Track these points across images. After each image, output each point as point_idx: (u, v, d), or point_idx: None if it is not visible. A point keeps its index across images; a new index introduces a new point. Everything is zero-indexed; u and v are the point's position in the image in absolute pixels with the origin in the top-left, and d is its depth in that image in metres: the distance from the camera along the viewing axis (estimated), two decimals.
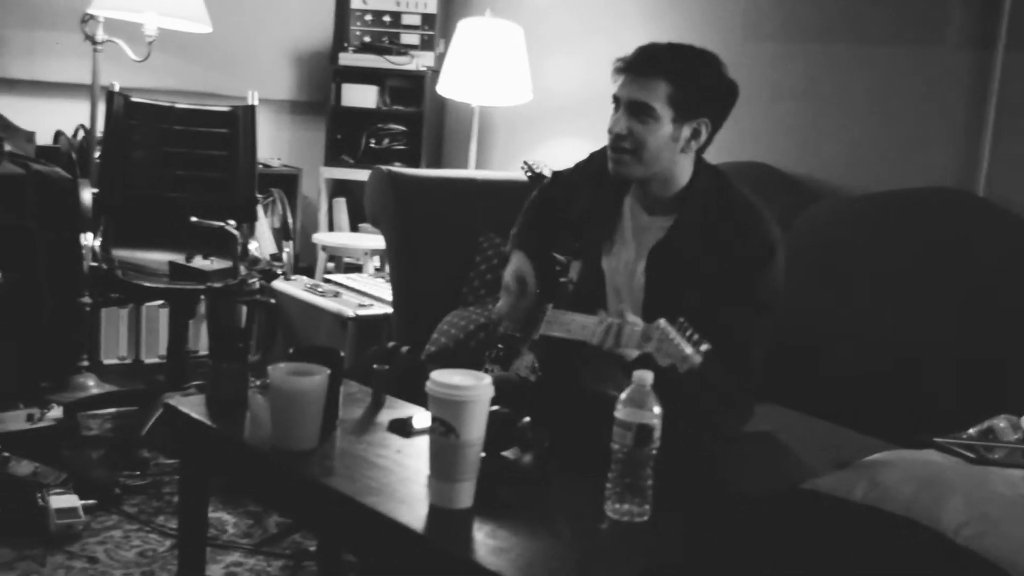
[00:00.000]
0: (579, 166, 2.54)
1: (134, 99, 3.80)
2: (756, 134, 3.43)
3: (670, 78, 2.12)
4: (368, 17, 4.71)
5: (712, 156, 2.28)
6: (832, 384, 2.70)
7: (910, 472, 1.90)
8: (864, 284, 2.78)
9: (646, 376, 1.69)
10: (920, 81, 3.16)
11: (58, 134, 4.26)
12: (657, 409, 1.68)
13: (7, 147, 3.71)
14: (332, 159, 4.81)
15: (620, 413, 1.68)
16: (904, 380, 2.60)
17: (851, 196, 3.15)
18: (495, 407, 1.76)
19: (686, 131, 2.15)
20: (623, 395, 1.69)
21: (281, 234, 4.79)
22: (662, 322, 1.85)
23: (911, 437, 2.19)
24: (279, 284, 3.99)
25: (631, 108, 2.15)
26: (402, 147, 4.76)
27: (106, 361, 4.28)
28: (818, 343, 2.76)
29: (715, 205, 2.20)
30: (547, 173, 3.11)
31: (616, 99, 2.20)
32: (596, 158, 2.41)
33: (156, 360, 4.34)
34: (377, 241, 4.02)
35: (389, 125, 4.79)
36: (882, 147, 3.25)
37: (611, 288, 2.29)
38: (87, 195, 3.64)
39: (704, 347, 1.80)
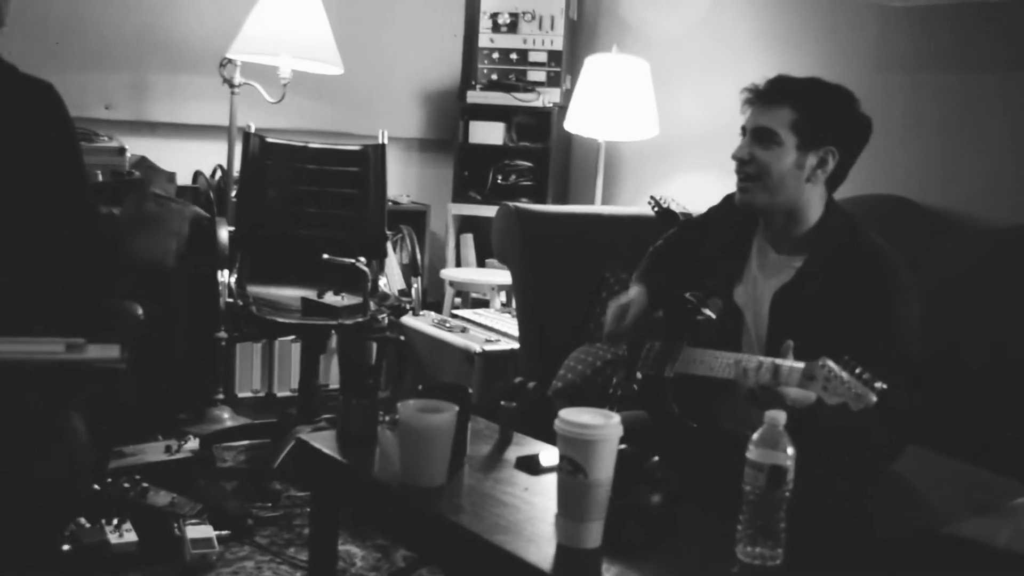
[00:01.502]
0: (714, 209, 2.52)
1: (269, 139, 3.92)
2: (890, 166, 3.34)
3: (794, 104, 2.12)
4: (495, 55, 4.76)
5: (845, 189, 2.24)
6: (968, 423, 2.60)
7: None
8: (1003, 319, 2.67)
9: (779, 416, 1.65)
10: None
11: (197, 174, 4.40)
12: (790, 450, 1.63)
13: (150, 188, 3.85)
14: (460, 196, 4.86)
15: (752, 454, 1.64)
16: None
17: (989, 228, 3.04)
18: (623, 446, 1.74)
19: (812, 159, 2.13)
20: (755, 435, 1.65)
21: (410, 270, 4.86)
22: (827, 360, 1.81)
23: None
24: (407, 320, 4.04)
25: (755, 134, 2.15)
26: (529, 183, 4.78)
27: (240, 394, 4.38)
28: (953, 379, 2.66)
29: (845, 249, 2.15)
30: (675, 208, 3.09)
31: (743, 129, 2.20)
32: (731, 199, 2.39)
33: (288, 394, 4.43)
34: (504, 276, 4.04)
35: (516, 161, 4.82)
36: (1021, 178, 3.13)
37: (746, 325, 2.25)
38: (224, 233, 3.75)
39: (879, 385, 1.76)
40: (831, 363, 1.81)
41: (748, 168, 2.16)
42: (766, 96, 2.16)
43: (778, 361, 1.91)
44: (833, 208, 2.21)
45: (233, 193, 4.12)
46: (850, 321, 2.05)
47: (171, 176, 4.19)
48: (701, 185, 4.04)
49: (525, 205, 3.55)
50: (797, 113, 2.12)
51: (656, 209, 3.45)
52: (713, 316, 2.22)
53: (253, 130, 3.87)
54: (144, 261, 2.12)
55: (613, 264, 3.30)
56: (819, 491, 1.86)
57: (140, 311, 2.26)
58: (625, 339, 2.41)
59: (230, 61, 4.09)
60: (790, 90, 2.14)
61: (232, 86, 4.09)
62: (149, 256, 2.12)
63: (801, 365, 1.87)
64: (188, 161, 4.40)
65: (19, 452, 1.90)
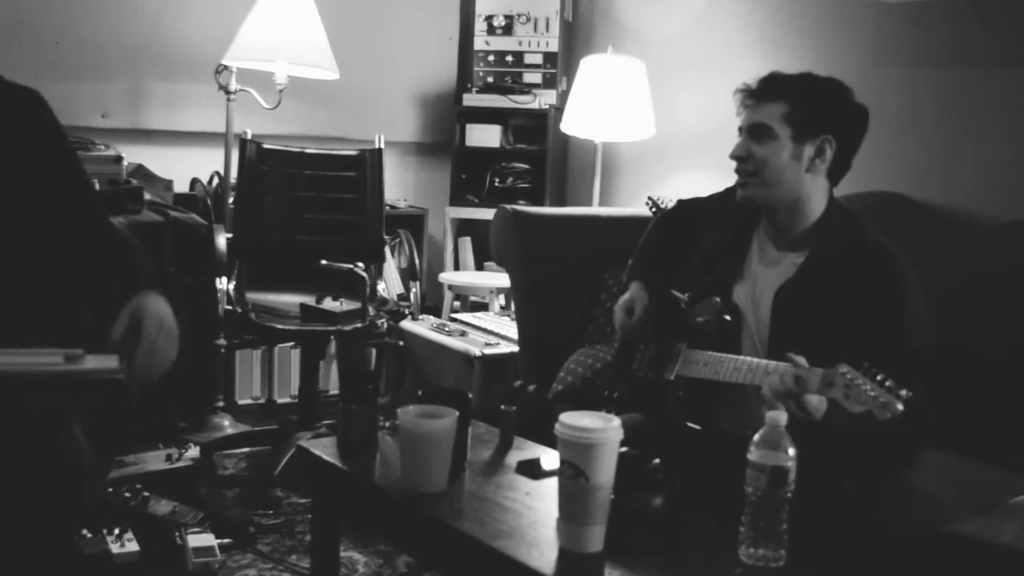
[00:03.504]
0: (714, 198, 2.51)
1: (266, 145, 3.91)
2: (888, 163, 3.34)
3: (785, 97, 2.14)
4: (491, 57, 4.76)
5: (844, 186, 2.24)
6: (973, 420, 2.59)
7: None
8: (1005, 316, 2.67)
9: (780, 417, 1.65)
10: None
11: (194, 181, 4.40)
12: (792, 451, 1.63)
13: (147, 195, 3.84)
14: (457, 199, 4.86)
15: (753, 455, 1.63)
16: None
17: (989, 225, 3.04)
18: (624, 448, 1.74)
19: (809, 149, 2.14)
20: (756, 436, 1.64)
21: (408, 274, 4.85)
22: (846, 367, 1.80)
23: None
24: (406, 324, 4.03)
25: (751, 131, 2.17)
26: (526, 185, 4.78)
27: (240, 401, 4.38)
28: (957, 377, 2.65)
29: (850, 244, 2.14)
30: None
31: (740, 130, 2.21)
32: (731, 194, 2.39)
33: (288, 400, 4.43)
34: (503, 279, 4.04)
35: (513, 164, 4.82)
36: (1019, 172, 3.13)
37: (745, 325, 2.24)
38: (222, 240, 3.75)
39: (904, 392, 1.75)
40: (848, 369, 1.80)
41: (746, 165, 2.17)
42: (758, 93, 2.18)
43: (799, 367, 1.90)
44: (835, 204, 2.21)
45: (230, 200, 4.12)
46: (859, 319, 2.04)
47: (168, 184, 4.18)
48: (699, 184, 4.03)
49: (522, 207, 3.55)
50: (789, 105, 2.13)
51: (654, 210, 3.43)
52: (704, 319, 2.22)
53: (250, 136, 3.87)
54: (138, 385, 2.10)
55: (612, 266, 3.30)
56: (825, 491, 1.86)
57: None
58: (637, 335, 2.42)
59: (226, 68, 4.08)
60: (781, 84, 2.16)
61: (228, 93, 4.09)
62: (143, 380, 2.10)
63: (820, 371, 1.86)
64: (185, 168, 4.40)
65: (22, 464, 1.89)
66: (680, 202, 2.64)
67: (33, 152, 2.15)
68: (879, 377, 1.77)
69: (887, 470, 2.11)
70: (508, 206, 3.46)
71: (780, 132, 2.13)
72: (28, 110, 2.18)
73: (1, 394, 1.98)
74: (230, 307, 3.66)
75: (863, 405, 1.77)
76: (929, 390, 1.95)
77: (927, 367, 2.04)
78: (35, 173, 2.14)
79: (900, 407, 1.74)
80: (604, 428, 1.67)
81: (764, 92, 2.17)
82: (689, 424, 2.20)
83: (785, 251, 2.21)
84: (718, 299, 2.24)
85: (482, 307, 4.64)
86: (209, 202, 4.25)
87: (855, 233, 2.17)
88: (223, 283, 3.69)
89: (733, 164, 2.21)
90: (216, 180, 4.38)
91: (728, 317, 2.23)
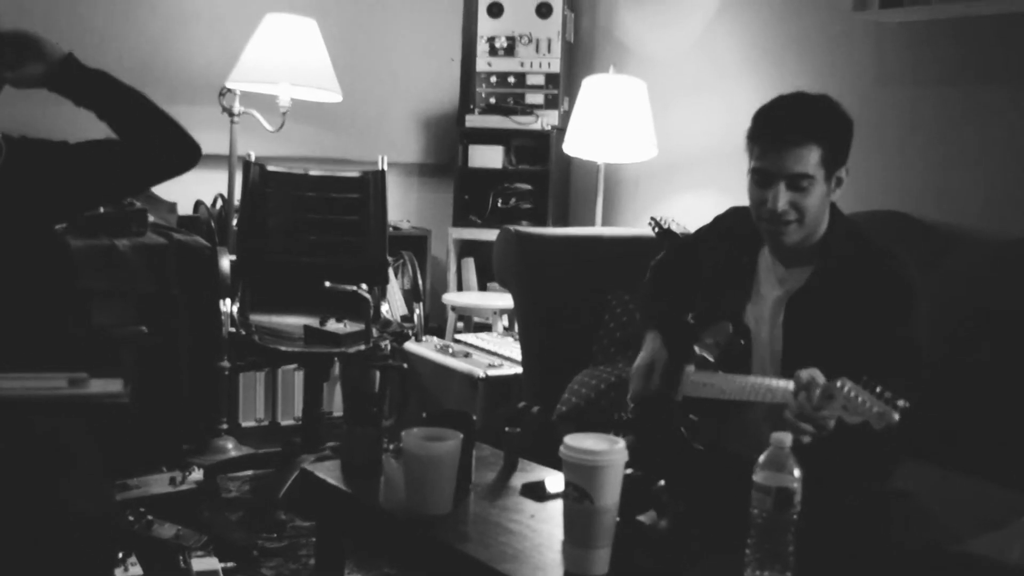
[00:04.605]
0: (706, 229, 2.50)
1: (269, 168, 3.92)
2: (889, 181, 3.34)
3: (818, 139, 2.07)
4: (493, 79, 4.77)
5: (844, 205, 2.24)
6: (976, 437, 2.58)
7: None
8: (1007, 333, 2.66)
9: (785, 438, 1.64)
10: None
11: (198, 203, 4.41)
12: (797, 472, 1.62)
13: (151, 218, 3.85)
14: (460, 220, 4.86)
15: (759, 477, 1.63)
16: None
17: (990, 243, 3.03)
18: (629, 470, 1.74)
19: (833, 182, 2.14)
20: (761, 458, 1.64)
21: (411, 295, 4.85)
22: (844, 381, 1.81)
23: None
24: (410, 345, 4.03)
25: (790, 181, 2.08)
26: (529, 206, 4.77)
27: (244, 424, 4.37)
28: (959, 394, 2.65)
29: (852, 251, 2.15)
30: (675, 228, 3.09)
31: (760, 172, 2.12)
32: (727, 217, 2.39)
33: (292, 422, 4.41)
34: (506, 300, 4.04)
35: (515, 184, 4.82)
36: (1021, 190, 3.13)
37: (757, 345, 2.23)
38: (226, 262, 3.76)
39: (901, 403, 1.76)
40: (847, 382, 1.81)
41: (789, 216, 2.10)
42: (791, 138, 2.08)
43: (803, 381, 1.90)
44: (836, 213, 2.21)
45: (234, 222, 4.12)
46: (868, 322, 2.05)
47: (172, 206, 4.19)
48: (701, 204, 4.03)
49: (525, 228, 3.55)
50: (822, 148, 2.07)
51: (656, 230, 3.43)
52: (712, 342, 2.20)
53: (253, 159, 3.87)
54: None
55: (615, 286, 3.30)
56: (828, 509, 1.85)
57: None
58: (655, 397, 2.32)
59: (229, 90, 4.10)
60: (812, 126, 2.09)
61: (232, 115, 4.10)
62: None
63: (820, 385, 1.86)
64: (189, 191, 4.39)
65: (49, 491, 1.89)
66: (676, 242, 2.61)
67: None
68: (878, 389, 1.77)
69: (875, 475, 2.11)
70: (511, 227, 3.47)
71: (817, 176, 2.08)
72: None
73: (8, 418, 1.98)
74: (234, 329, 3.66)
75: (860, 416, 1.79)
76: (921, 388, 1.96)
77: (924, 369, 2.05)
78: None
79: (896, 417, 1.75)
80: (609, 450, 1.67)
81: (797, 137, 2.07)
82: (695, 445, 2.19)
83: (792, 267, 2.21)
84: (728, 323, 2.21)
85: (486, 328, 4.64)
86: (213, 224, 4.26)
87: (859, 240, 2.18)
88: (227, 305, 3.70)
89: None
90: (220, 202, 4.39)
91: (743, 341, 2.21)
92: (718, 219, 2.47)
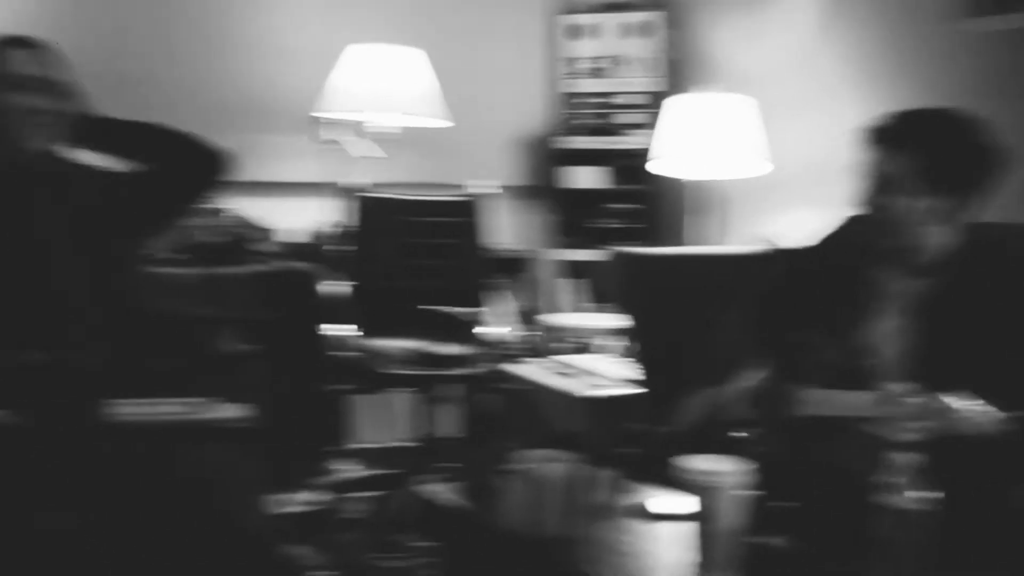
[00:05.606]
0: (820, 244, 2.48)
1: (371, 194, 4.00)
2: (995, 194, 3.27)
3: (921, 149, 2.07)
4: (591, 99, 4.80)
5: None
6: None
7: None
8: None
9: (911, 459, 1.64)
10: None
11: (297, 231, 4.50)
12: (921, 493, 1.61)
13: (259, 246, 3.96)
14: (559, 241, 4.90)
15: (883, 498, 1.62)
16: None
17: None
18: (747, 490, 1.75)
19: (946, 204, 2.09)
20: (884, 480, 1.63)
21: (516, 317, 4.89)
22: (947, 397, 1.80)
23: None
24: (516, 367, 4.06)
25: (883, 182, 2.10)
26: (630, 225, 4.78)
27: (359, 446, 4.44)
28: None
29: (979, 255, 2.13)
30: (786, 245, 3.07)
31: (866, 172, 2.14)
32: (842, 233, 2.37)
33: (407, 444, 4.48)
34: (610, 320, 4.05)
35: (614, 204, 4.83)
36: None
37: (882, 360, 2.21)
38: (329, 288, 3.83)
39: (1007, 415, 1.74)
40: (949, 397, 1.79)
41: (879, 216, 2.12)
42: (888, 139, 2.10)
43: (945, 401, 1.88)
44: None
45: (331, 247, 4.21)
46: (999, 313, 2.04)
47: (270, 233, 4.29)
48: (813, 219, 4.00)
49: (631, 248, 3.56)
50: (925, 158, 2.06)
51: (767, 248, 3.42)
52: (837, 360, 2.19)
53: (354, 185, 3.94)
54: None
55: (725, 305, 3.28)
56: (989, 513, 1.82)
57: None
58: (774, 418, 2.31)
59: (325, 119, 4.19)
60: (913, 132, 2.09)
61: (332, 143, 4.19)
62: None
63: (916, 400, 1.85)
64: (289, 218, 4.48)
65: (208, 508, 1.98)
66: (795, 253, 2.60)
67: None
68: (982, 403, 1.76)
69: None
70: (616, 247, 3.48)
71: (915, 185, 2.10)
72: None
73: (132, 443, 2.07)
74: (347, 353, 3.74)
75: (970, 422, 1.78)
76: None
77: None
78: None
79: (1001, 413, 1.72)
80: (727, 471, 1.68)
81: (894, 138, 2.13)
82: (812, 463, 2.18)
83: (914, 277, 2.19)
84: (846, 340, 2.20)
85: (589, 349, 4.65)
86: (318, 250, 4.35)
87: (975, 234, 2.15)
88: (338, 329, 3.78)
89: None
90: (324, 229, 4.48)
91: (864, 357, 2.19)
92: (842, 227, 2.43)
